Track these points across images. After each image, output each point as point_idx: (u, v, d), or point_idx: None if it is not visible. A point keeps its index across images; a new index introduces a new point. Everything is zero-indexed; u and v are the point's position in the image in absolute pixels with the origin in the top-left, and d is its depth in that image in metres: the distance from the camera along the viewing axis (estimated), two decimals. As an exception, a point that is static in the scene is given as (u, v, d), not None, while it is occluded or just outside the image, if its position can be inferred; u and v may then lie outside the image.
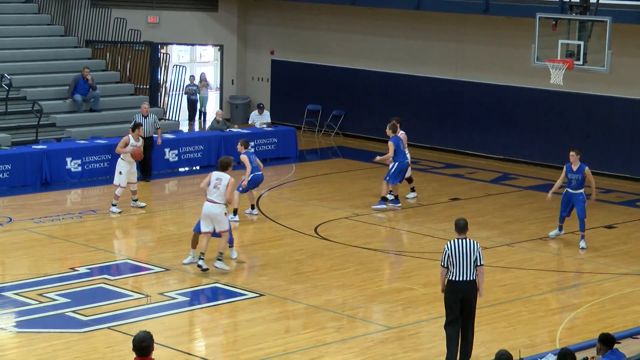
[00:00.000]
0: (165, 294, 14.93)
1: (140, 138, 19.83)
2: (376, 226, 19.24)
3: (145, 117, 22.13)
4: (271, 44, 30.61)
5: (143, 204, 19.81)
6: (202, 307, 14.64)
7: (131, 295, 14.82)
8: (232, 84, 31.18)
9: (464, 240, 12.04)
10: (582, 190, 17.90)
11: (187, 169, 24.11)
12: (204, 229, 15.75)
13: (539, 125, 25.04)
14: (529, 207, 20.95)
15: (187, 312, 14.44)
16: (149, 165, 22.22)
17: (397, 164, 20.05)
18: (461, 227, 12.12)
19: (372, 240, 18.09)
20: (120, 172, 19.50)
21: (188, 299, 14.90)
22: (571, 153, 17.86)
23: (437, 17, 26.40)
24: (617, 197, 22.11)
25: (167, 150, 23.58)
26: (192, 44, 33.63)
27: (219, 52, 31.63)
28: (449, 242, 12.09)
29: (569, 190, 17.86)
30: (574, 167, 17.79)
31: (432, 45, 27.06)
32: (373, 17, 28.03)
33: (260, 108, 26.40)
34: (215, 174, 15.69)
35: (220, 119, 25.53)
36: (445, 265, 12.04)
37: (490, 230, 19.04)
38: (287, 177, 23.37)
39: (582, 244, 17.79)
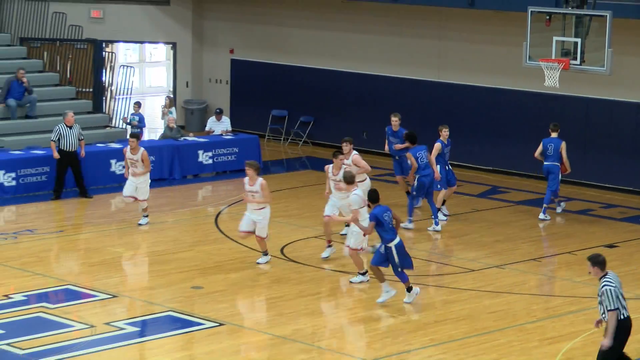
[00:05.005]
0: (112, 323, 14.92)
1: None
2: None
3: (70, 128, 22.04)
4: (231, 42, 30.67)
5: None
6: (154, 339, 14.63)
7: (73, 326, 14.79)
8: (187, 86, 31.21)
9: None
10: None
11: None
12: None
13: (532, 133, 25.20)
14: (521, 224, 21.10)
15: (137, 344, 14.43)
16: (81, 181, 22.24)
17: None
18: (604, 262, 12.36)
19: (346, 262, 18.16)
20: None
21: (138, 329, 14.90)
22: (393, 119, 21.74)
23: (416, 11, 26.58)
24: (620, 213, 22.32)
25: (113, 162, 23.55)
26: (141, 42, 33.58)
27: (172, 51, 31.65)
28: (610, 279, 12.16)
29: None
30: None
31: (411, 43, 27.23)
32: (345, 11, 28.18)
33: (218, 114, 26.43)
34: None
35: (174, 126, 25.53)
36: (617, 307, 12.08)
37: (478, 250, 19.17)
38: (250, 192, 23.38)
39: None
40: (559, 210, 21.86)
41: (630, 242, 20.06)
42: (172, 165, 24.48)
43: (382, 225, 15.48)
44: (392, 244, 15.53)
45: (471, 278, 17.47)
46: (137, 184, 20.17)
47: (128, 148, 20.30)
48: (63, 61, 28.49)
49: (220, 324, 14.97)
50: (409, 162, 20.56)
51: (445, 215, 21.19)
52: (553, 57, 19.78)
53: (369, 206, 16.19)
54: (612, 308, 11.96)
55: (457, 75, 26.49)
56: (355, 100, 28.06)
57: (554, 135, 21.49)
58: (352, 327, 15.05)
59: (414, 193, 20.49)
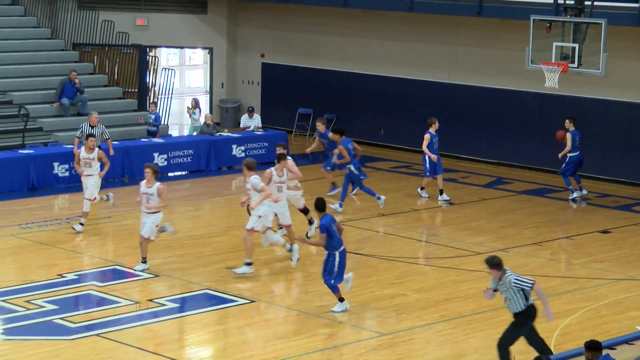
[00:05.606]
0: (154, 300, 14.98)
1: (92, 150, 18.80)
2: (369, 231, 19.29)
3: (93, 128, 21.57)
4: (261, 47, 30.67)
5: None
6: (192, 314, 14.67)
7: (120, 302, 14.86)
8: (222, 87, 31.25)
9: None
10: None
11: (176, 173, 24.14)
12: None
13: (533, 129, 25.15)
14: (523, 211, 21.03)
15: (177, 318, 14.48)
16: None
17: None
18: (500, 262, 12.42)
19: (364, 245, 18.15)
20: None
21: (178, 305, 14.95)
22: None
23: (429, 19, 26.50)
24: (613, 202, 22.22)
25: (156, 154, 23.62)
26: (181, 47, 33.64)
27: (209, 55, 31.68)
28: (510, 271, 12.22)
29: None
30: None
31: (425, 47, 27.16)
32: (365, 19, 28.12)
33: (250, 111, 26.46)
34: None
35: (210, 123, 25.58)
36: (533, 280, 12.21)
37: (484, 235, 19.12)
38: (278, 182, 23.37)
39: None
40: (574, 196, 21.84)
41: (622, 228, 19.97)
42: (209, 158, 24.52)
43: (332, 236, 14.31)
44: (337, 251, 14.46)
45: (478, 260, 17.39)
46: (91, 183, 18.71)
47: (82, 148, 18.87)
48: (111, 64, 28.56)
49: (252, 301, 15.00)
50: (337, 153, 20.52)
51: (446, 200, 21.34)
52: (553, 61, 19.69)
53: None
54: (531, 282, 11.99)
55: (466, 77, 26.40)
56: (374, 99, 28.02)
57: (573, 127, 21.71)
58: (369, 304, 15.04)
59: (362, 178, 20.60)
